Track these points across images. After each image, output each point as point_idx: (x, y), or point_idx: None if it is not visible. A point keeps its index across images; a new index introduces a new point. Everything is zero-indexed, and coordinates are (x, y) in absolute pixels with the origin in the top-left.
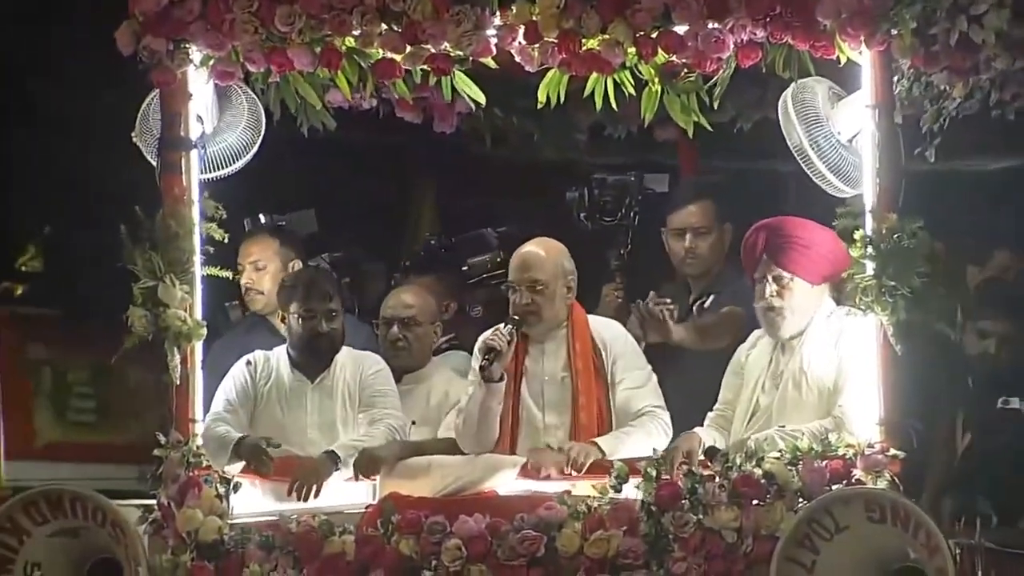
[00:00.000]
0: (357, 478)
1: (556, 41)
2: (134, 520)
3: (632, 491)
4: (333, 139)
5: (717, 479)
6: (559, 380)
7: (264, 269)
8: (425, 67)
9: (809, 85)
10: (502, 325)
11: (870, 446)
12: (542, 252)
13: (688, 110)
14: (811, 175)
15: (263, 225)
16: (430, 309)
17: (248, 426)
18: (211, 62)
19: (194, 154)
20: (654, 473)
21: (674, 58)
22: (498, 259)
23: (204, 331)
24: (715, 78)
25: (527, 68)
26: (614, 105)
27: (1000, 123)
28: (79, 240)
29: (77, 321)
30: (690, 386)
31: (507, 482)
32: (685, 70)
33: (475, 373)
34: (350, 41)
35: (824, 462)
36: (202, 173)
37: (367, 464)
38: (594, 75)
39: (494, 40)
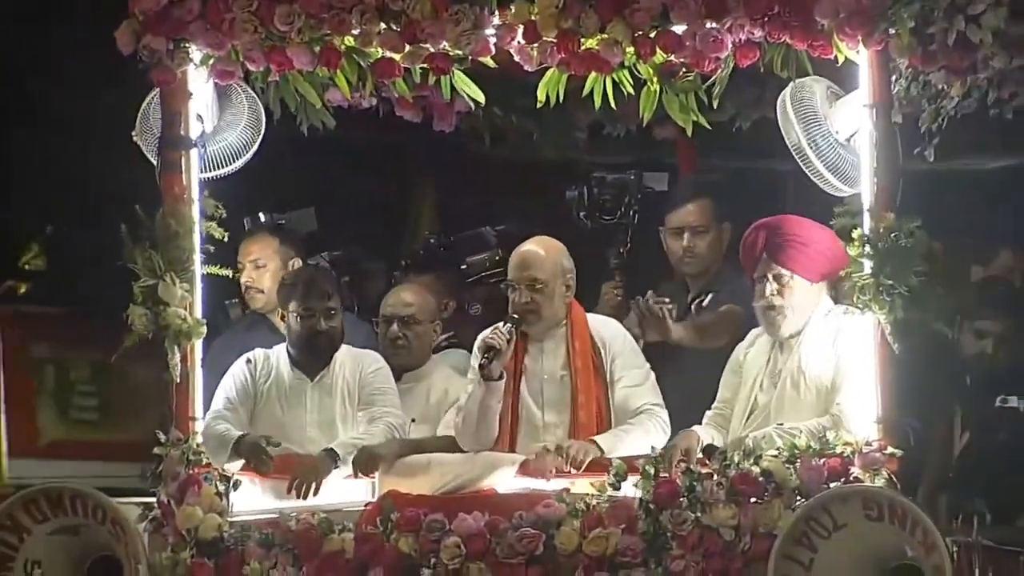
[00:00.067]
0: (356, 475)
1: (555, 40)
2: (134, 518)
3: (630, 489)
4: (333, 138)
5: (715, 477)
6: (558, 378)
7: (264, 267)
8: (424, 66)
9: (807, 84)
10: (501, 323)
11: (868, 444)
12: (541, 251)
13: (687, 109)
14: (809, 174)
15: (263, 224)
16: (429, 307)
17: (248, 424)
18: (211, 61)
19: (194, 153)
20: (652, 471)
21: (672, 57)
22: (497, 258)
23: (204, 329)
24: (713, 77)
25: (526, 67)
26: (613, 104)
27: (998, 122)
28: (81, 239)
29: (80, 320)
30: (689, 384)
31: (506, 480)
32: (683, 69)
33: (474, 371)
34: (349, 40)
35: (822, 460)
36: (202, 172)
37: (366, 461)
38: (593, 74)
39: (493, 39)
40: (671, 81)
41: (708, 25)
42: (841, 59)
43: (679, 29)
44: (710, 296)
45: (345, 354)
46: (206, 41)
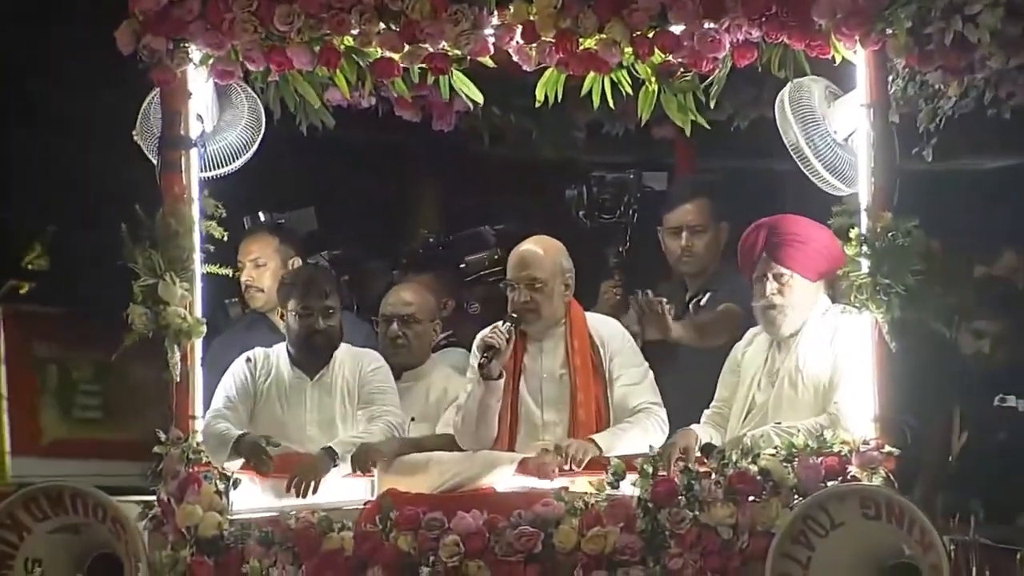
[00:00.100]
0: (355, 472)
1: (553, 40)
2: (134, 516)
3: (629, 488)
4: (332, 137)
5: (713, 476)
6: (557, 377)
7: (264, 266)
8: (423, 66)
9: (806, 84)
10: (500, 323)
11: (865, 443)
12: (540, 250)
13: (685, 109)
14: (807, 174)
15: (263, 223)
16: (429, 307)
17: (248, 423)
18: (211, 61)
19: (194, 152)
20: (650, 470)
21: (670, 57)
22: (495, 257)
23: (204, 328)
24: (711, 77)
25: (524, 67)
26: (611, 104)
27: (995, 122)
28: (83, 239)
29: (82, 319)
30: (687, 383)
31: (505, 478)
32: (681, 69)
33: (473, 371)
34: (349, 40)
35: (819, 459)
36: (202, 171)
37: (365, 458)
38: (591, 74)
39: (492, 39)
40: (669, 81)
41: (706, 25)
42: (839, 59)
43: (677, 29)
44: (708, 295)
45: (345, 353)
46: (206, 41)
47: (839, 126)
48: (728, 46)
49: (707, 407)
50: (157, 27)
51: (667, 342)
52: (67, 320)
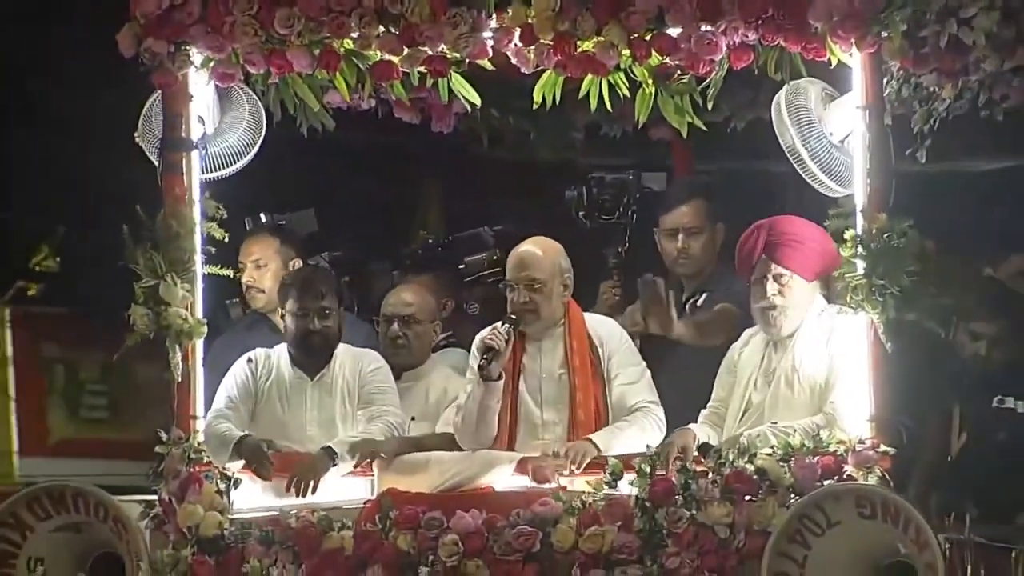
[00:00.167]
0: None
1: (551, 43)
2: (136, 515)
3: (626, 487)
4: (332, 139)
5: (710, 475)
6: (556, 377)
7: (265, 267)
8: (422, 69)
9: (802, 87)
10: (500, 324)
11: (861, 442)
12: (539, 251)
13: (681, 111)
14: (803, 175)
15: (264, 224)
16: (429, 307)
17: (249, 423)
18: (211, 64)
19: (195, 155)
20: (648, 469)
21: (667, 60)
22: (494, 257)
23: (205, 329)
24: (708, 80)
25: (523, 70)
26: (608, 106)
27: (989, 124)
28: (89, 240)
29: (89, 320)
30: (685, 382)
31: (504, 478)
32: (678, 72)
33: (473, 371)
34: (348, 43)
35: (816, 458)
36: (203, 173)
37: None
38: (589, 76)
39: (490, 42)
40: (666, 83)
41: (703, 28)
42: (834, 61)
43: (674, 32)
44: (704, 296)
45: (345, 353)
46: (207, 44)
47: (835, 128)
48: (725, 48)
49: (704, 406)
50: (158, 30)
51: (665, 341)
52: (74, 321)
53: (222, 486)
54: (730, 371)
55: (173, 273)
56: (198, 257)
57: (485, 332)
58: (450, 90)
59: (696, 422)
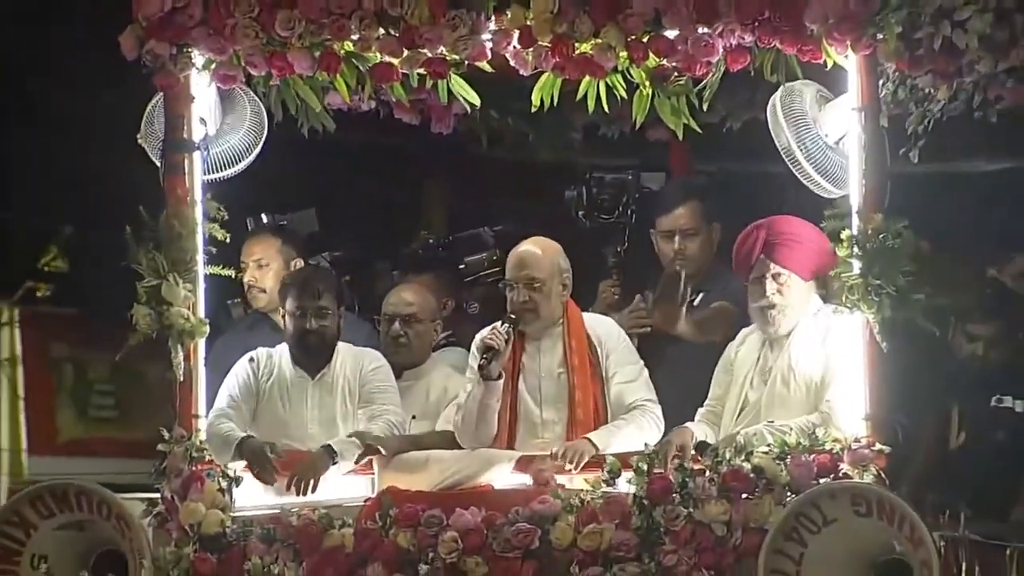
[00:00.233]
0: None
1: (549, 45)
2: (138, 513)
3: (624, 485)
4: (333, 140)
5: (707, 473)
6: (555, 376)
7: (267, 267)
8: (422, 70)
9: (797, 88)
10: (499, 323)
11: (856, 441)
12: (538, 251)
13: (678, 112)
14: (799, 176)
15: (265, 224)
16: (430, 307)
17: (251, 422)
18: (213, 66)
19: (197, 156)
20: (645, 467)
21: (664, 62)
22: (494, 257)
23: (207, 329)
24: (705, 81)
25: (521, 71)
26: (606, 108)
27: (984, 124)
28: (95, 240)
29: (97, 320)
30: (682, 380)
31: (503, 476)
32: (675, 73)
33: (473, 371)
34: (348, 45)
35: (812, 456)
36: (205, 174)
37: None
38: (587, 78)
39: (489, 44)
40: (663, 85)
41: (700, 30)
42: (830, 63)
43: (671, 34)
44: (700, 295)
45: (346, 352)
46: (208, 46)
47: (830, 129)
48: (721, 51)
49: (701, 405)
50: (160, 32)
51: (662, 340)
52: (83, 321)
53: (224, 484)
54: (727, 370)
55: (175, 273)
56: (200, 257)
57: (485, 331)
58: (449, 91)
59: (693, 420)
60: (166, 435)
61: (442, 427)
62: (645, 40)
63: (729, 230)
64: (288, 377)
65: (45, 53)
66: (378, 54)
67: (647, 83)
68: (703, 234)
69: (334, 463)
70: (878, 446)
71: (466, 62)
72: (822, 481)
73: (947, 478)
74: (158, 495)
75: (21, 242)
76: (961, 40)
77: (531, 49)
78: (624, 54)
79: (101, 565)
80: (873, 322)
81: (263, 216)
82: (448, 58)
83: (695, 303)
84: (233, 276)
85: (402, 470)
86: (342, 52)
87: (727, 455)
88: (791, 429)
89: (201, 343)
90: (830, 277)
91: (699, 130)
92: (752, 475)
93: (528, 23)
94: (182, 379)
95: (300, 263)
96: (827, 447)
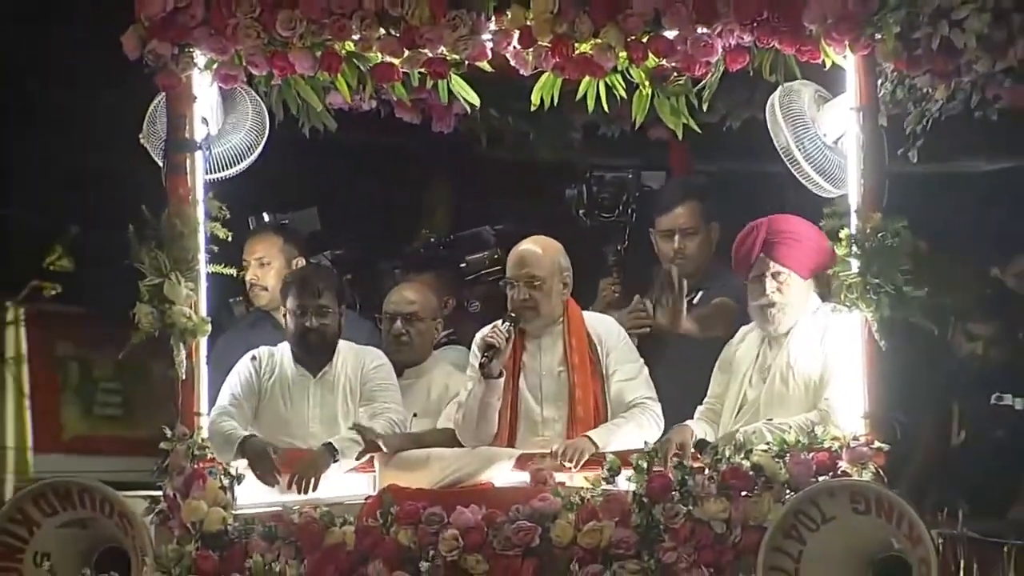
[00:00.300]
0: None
1: (549, 45)
2: (141, 511)
3: (624, 483)
4: (334, 140)
5: (707, 471)
6: (556, 374)
7: (268, 265)
8: (422, 70)
9: (795, 88)
10: (500, 322)
11: (855, 439)
12: (539, 249)
13: (678, 112)
14: (798, 176)
15: (267, 223)
16: (431, 305)
17: (252, 420)
18: (215, 66)
19: (199, 155)
20: (645, 465)
21: (664, 62)
22: (495, 256)
23: (209, 327)
24: (704, 81)
25: (521, 71)
26: (606, 108)
27: (982, 124)
28: (98, 240)
29: (102, 318)
30: (681, 378)
31: (503, 474)
32: (675, 73)
33: (474, 369)
34: (349, 45)
35: (811, 454)
36: (207, 174)
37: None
38: (586, 78)
39: (489, 44)
40: (663, 85)
41: (699, 30)
42: (828, 63)
43: (671, 34)
44: (700, 294)
45: (348, 350)
46: (210, 46)
47: (828, 129)
48: (720, 51)
49: (700, 402)
50: (162, 32)
51: (662, 338)
52: (88, 320)
53: (226, 482)
54: (725, 369)
55: (177, 272)
56: (202, 256)
57: (486, 330)
58: (450, 91)
59: (692, 418)
60: (168, 433)
61: (443, 425)
62: (645, 40)
63: (728, 229)
64: (290, 375)
65: (45, 53)
66: (379, 54)
67: (647, 83)
68: (702, 233)
69: (335, 461)
70: (877, 444)
71: (466, 62)
72: (821, 479)
73: (947, 476)
74: (158, 492)
75: (24, 242)
76: (959, 40)
77: (531, 49)
78: (624, 54)
79: (104, 562)
80: (871, 321)
81: (265, 215)
82: (448, 58)
83: (694, 301)
84: (235, 275)
85: (403, 468)
86: (343, 52)
87: (726, 453)
88: (790, 427)
89: (203, 341)
90: (829, 276)
91: (698, 130)
92: (751, 473)
93: (528, 23)
94: (184, 377)
95: (302, 262)
96: (826, 445)
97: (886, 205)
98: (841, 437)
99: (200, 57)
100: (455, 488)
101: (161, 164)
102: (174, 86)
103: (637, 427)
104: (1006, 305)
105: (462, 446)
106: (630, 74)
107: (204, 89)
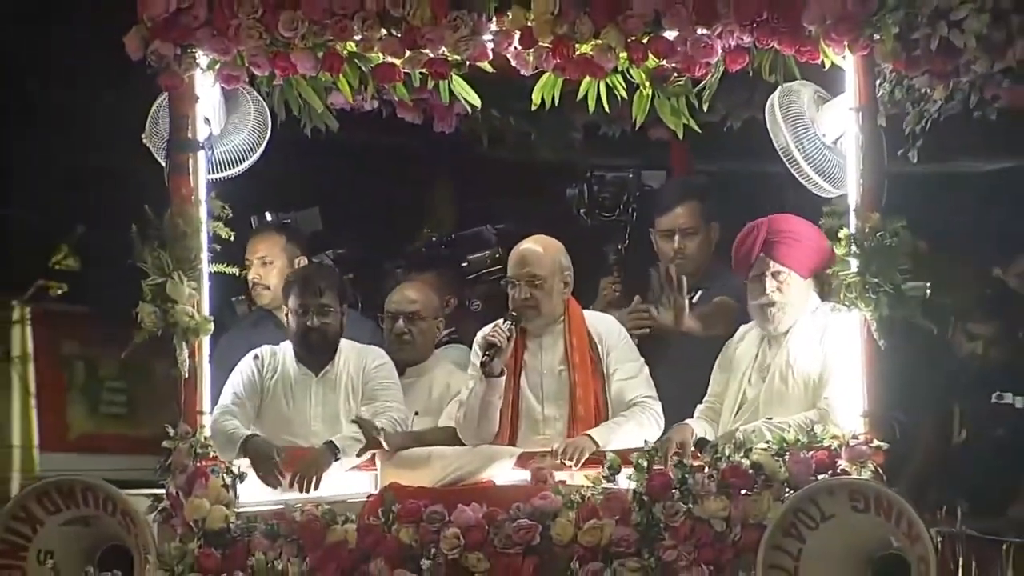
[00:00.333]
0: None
1: (550, 46)
2: (143, 509)
3: (624, 481)
4: (336, 140)
5: (707, 469)
6: (557, 373)
7: (271, 264)
8: (424, 71)
9: (794, 89)
10: (501, 321)
11: (854, 437)
12: (540, 249)
13: (678, 112)
14: (797, 176)
15: (269, 222)
16: (433, 304)
17: (255, 419)
18: (217, 66)
19: (201, 155)
20: (645, 464)
21: (664, 62)
22: (496, 255)
23: (211, 326)
24: (704, 82)
25: (522, 72)
26: (606, 108)
27: (980, 124)
28: (101, 240)
29: (107, 318)
30: (682, 377)
31: (504, 472)
32: (675, 74)
33: (475, 368)
34: (351, 46)
35: (810, 453)
36: (209, 174)
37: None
38: (587, 78)
39: (490, 45)
40: (663, 85)
41: (699, 31)
42: (828, 64)
43: (671, 35)
44: (699, 293)
45: (350, 349)
46: (212, 47)
47: (828, 129)
48: (720, 51)
49: (700, 401)
50: (165, 33)
51: (662, 337)
52: (93, 319)
53: (228, 480)
54: (725, 367)
55: (180, 271)
56: (204, 255)
57: (487, 329)
58: (451, 92)
59: (692, 417)
60: (171, 432)
61: (444, 423)
62: (645, 41)
63: (728, 229)
64: (292, 374)
65: (45, 53)
66: (380, 54)
67: (647, 83)
68: (702, 233)
69: (336, 459)
70: (876, 443)
71: (467, 62)
72: (820, 477)
73: (947, 475)
74: (161, 490)
75: (28, 242)
76: (958, 40)
77: (532, 50)
78: (624, 55)
79: (106, 560)
80: (871, 320)
81: (267, 214)
82: (450, 59)
83: (694, 300)
84: (237, 274)
85: (405, 466)
86: (345, 52)
87: (726, 452)
88: (790, 426)
89: (206, 340)
90: (828, 275)
91: (699, 130)
92: (751, 471)
93: (529, 24)
94: (187, 376)
95: (304, 261)
96: (825, 444)
97: (885, 205)
98: (840, 436)
99: (202, 58)
100: (456, 486)
101: (164, 164)
102: (177, 86)
103: (637, 426)
104: (1007, 305)
105: (463, 444)
106: (630, 75)
107: (206, 89)
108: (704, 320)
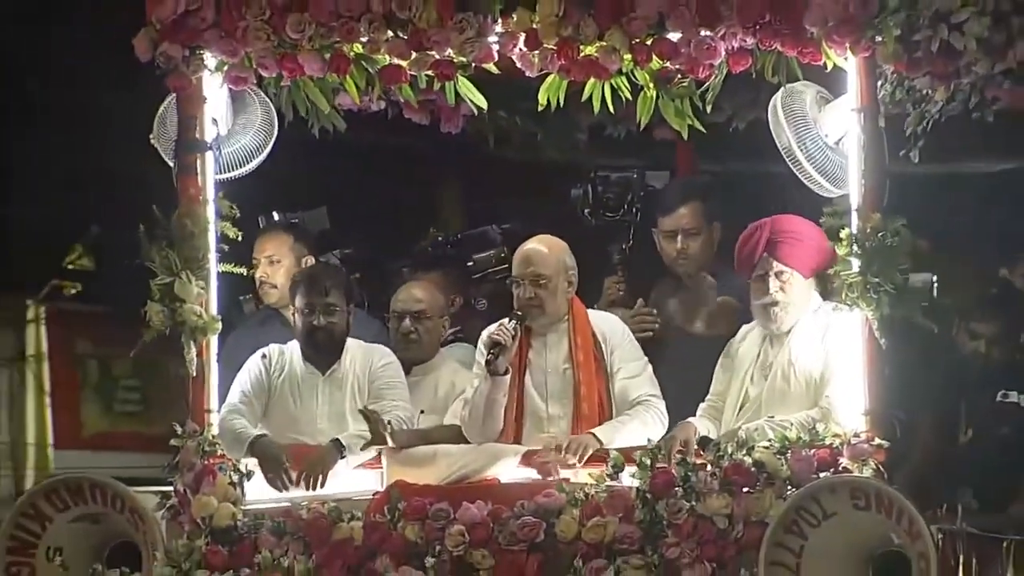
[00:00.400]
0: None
1: (555, 48)
2: (152, 506)
3: (628, 479)
4: (343, 140)
5: (709, 468)
6: (561, 372)
7: (278, 263)
8: (430, 72)
9: (797, 90)
10: (506, 320)
11: (856, 436)
12: (544, 248)
13: (682, 114)
14: (799, 176)
15: (277, 222)
16: (439, 303)
17: (262, 417)
18: (225, 68)
19: (209, 156)
20: (649, 462)
21: (668, 64)
22: (502, 255)
23: (219, 325)
24: (707, 83)
25: (527, 73)
26: (611, 109)
27: (980, 125)
28: (110, 239)
29: (121, 317)
30: (685, 376)
31: (509, 470)
32: (679, 75)
33: (480, 366)
34: (358, 48)
35: (812, 451)
36: (217, 174)
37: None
38: (592, 80)
39: (496, 47)
40: (667, 87)
41: (702, 33)
42: (830, 65)
43: (674, 37)
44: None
45: (356, 348)
46: (220, 48)
47: (830, 130)
48: (723, 53)
49: (703, 400)
50: (173, 35)
51: (664, 337)
52: (107, 318)
53: (235, 478)
54: (727, 367)
55: (188, 271)
56: (212, 255)
57: (492, 328)
58: (457, 93)
59: (695, 415)
60: (179, 430)
61: (450, 422)
62: (649, 43)
63: (730, 229)
64: (299, 373)
65: (46, 53)
66: (387, 56)
67: (651, 85)
68: (704, 233)
69: (343, 457)
70: (877, 441)
71: (473, 64)
72: (822, 475)
73: (948, 473)
74: (170, 488)
75: (40, 241)
76: (959, 42)
77: (537, 51)
78: (628, 57)
79: (115, 557)
80: (872, 319)
81: (275, 214)
82: (455, 60)
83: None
84: (245, 273)
85: (410, 464)
86: (351, 54)
87: (729, 450)
88: (791, 424)
89: (213, 339)
90: (830, 275)
91: (704, 130)
92: (753, 469)
93: (534, 26)
94: (195, 375)
95: (311, 260)
96: (827, 442)
97: (886, 205)
98: (842, 434)
99: (210, 59)
100: (461, 484)
101: (172, 164)
102: (185, 88)
103: (641, 424)
104: (1010, 305)
105: (469, 442)
106: (635, 76)
107: (214, 90)
108: (707, 320)
